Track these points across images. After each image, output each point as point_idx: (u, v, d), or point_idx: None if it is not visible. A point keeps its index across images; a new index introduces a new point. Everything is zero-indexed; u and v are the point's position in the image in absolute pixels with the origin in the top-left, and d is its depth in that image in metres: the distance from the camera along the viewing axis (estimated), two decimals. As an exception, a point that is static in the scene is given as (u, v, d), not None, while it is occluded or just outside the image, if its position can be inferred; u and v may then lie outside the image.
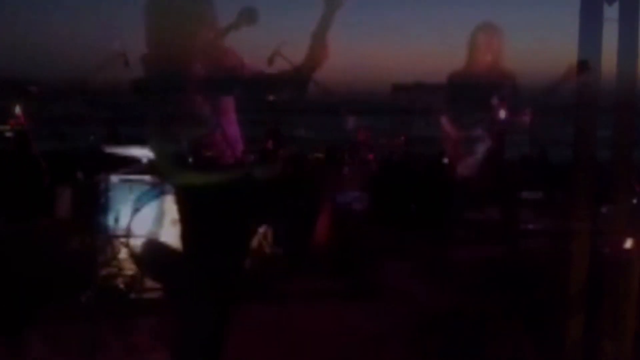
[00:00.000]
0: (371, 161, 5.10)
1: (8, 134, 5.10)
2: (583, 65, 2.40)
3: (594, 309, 2.49)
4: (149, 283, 3.83)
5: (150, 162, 4.24)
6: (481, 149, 4.03)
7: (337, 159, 4.93)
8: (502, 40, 4.06)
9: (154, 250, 3.85)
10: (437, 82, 4.77)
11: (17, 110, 4.89)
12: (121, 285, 3.88)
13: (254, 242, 4.08)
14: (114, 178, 4.16)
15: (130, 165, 4.33)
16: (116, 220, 4.14)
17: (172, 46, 2.28)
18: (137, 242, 3.90)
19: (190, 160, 2.27)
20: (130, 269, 3.98)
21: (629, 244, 2.41)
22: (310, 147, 5.39)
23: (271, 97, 3.73)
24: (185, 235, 2.44)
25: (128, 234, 3.94)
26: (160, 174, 3.95)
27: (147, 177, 4.17)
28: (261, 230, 4.14)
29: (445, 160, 4.22)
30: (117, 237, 4.08)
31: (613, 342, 2.46)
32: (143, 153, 4.19)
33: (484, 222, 4.02)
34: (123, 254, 4.04)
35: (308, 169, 4.90)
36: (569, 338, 2.51)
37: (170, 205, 3.90)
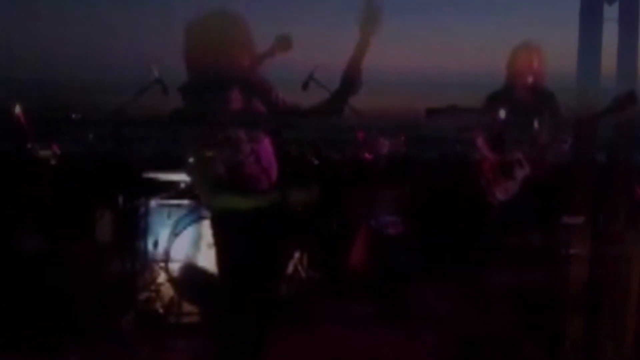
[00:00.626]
0: (371, 161, 5.00)
1: (53, 162, 5.23)
2: (630, 97, 2.38)
3: (594, 309, 2.46)
4: (187, 307, 3.87)
5: (188, 186, 4.31)
6: (520, 174, 3.98)
7: (336, 160, 4.87)
8: (543, 60, 4.00)
9: (192, 274, 3.89)
10: (472, 105, 4.76)
11: (17, 110, 4.95)
12: (160, 309, 3.92)
13: (290, 267, 4.10)
14: (153, 202, 4.23)
15: (169, 190, 4.40)
16: (155, 244, 4.19)
17: (209, 72, 2.32)
18: (175, 266, 3.96)
19: (226, 184, 2.30)
20: (168, 293, 4.03)
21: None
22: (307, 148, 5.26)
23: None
24: (220, 260, 2.47)
25: (167, 258, 4.00)
26: (198, 198, 4.02)
27: (185, 202, 4.23)
28: (297, 254, 4.15)
29: (482, 183, 4.17)
30: (156, 261, 4.13)
31: (613, 342, 2.41)
32: (181, 177, 4.28)
33: (522, 247, 3.97)
34: (162, 278, 4.09)
35: (345, 194, 4.91)
36: (569, 338, 2.47)
37: (207, 230, 3.94)
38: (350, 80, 2.36)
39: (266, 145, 2.45)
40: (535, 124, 3.94)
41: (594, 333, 2.47)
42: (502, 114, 3.93)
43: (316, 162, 5.10)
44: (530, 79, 3.97)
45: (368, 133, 4.82)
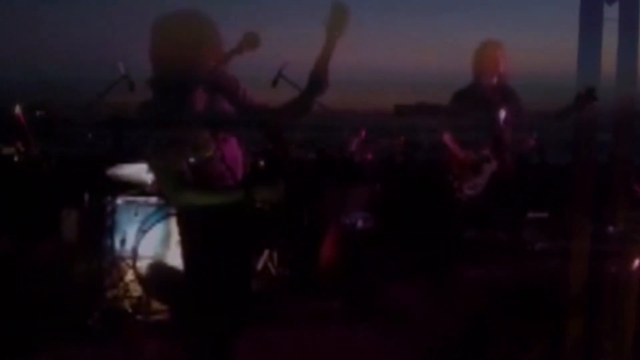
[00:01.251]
0: (371, 161, 5.04)
1: (15, 158, 5.13)
2: (590, 93, 2.42)
3: (594, 309, 2.50)
4: (155, 305, 3.83)
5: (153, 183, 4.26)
6: (488, 169, 4.03)
7: (334, 160, 4.88)
8: (506, 57, 4.07)
9: (160, 272, 3.85)
10: (440, 102, 4.81)
11: (17, 110, 4.90)
12: (128, 308, 3.88)
13: (260, 264, 4.09)
14: (120, 200, 4.18)
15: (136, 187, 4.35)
16: (122, 242, 4.15)
17: (175, 70, 2.30)
18: (143, 264, 3.92)
19: (189, 182, 2.29)
20: (136, 291, 3.99)
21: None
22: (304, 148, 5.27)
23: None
24: (186, 258, 2.46)
25: (134, 256, 3.96)
26: (163, 195, 3.99)
27: (153, 199, 4.19)
28: (267, 251, 4.14)
29: (449, 179, 4.22)
30: (124, 259, 4.09)
31: (613, 342, 2.45)
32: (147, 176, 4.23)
33: (489, 243, 4.03)
34: (129, 276, 4.04)
35: (313, 190, 4.91)
36: (569, 338, 2.51)
37: (176, 227, 3.91)
38: (317, 81, 2.37)
39: (232, 145, 2.44)
40: (501, 120, 4.01)
41: (594, 333, 2.51)
42: (502, 114, 3.99)
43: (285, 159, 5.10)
44: (494, 75, 4.04)
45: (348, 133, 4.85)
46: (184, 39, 2.28)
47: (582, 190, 2.52)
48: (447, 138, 4.21)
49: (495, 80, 4.07)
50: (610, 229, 2.59)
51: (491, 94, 4.07)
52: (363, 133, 4.90)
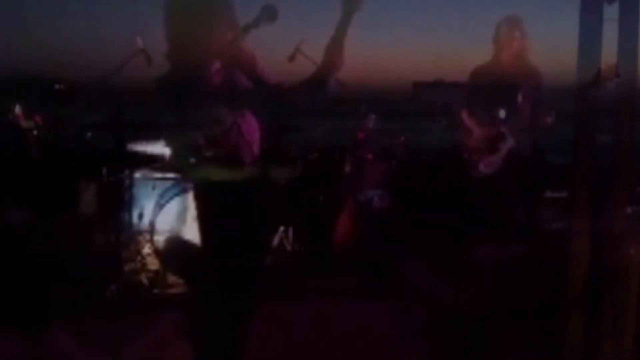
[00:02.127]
0: (371, 161, 5.04)
1: (35, 132, 5.18)
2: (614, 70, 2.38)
3: (594, 309, 2.49)
4: (172, 278, 3.88)
5: (171, 157, 4.29)
6: (505, 147, 3.99)
7: (335, 160, 4.87)
8: (526, 34, 4.01)
9: (177, 246, 3.89)
10: (458, 80, 4.75)
11: (17, 109, 4.95)
12: (145, 281, 3.93)
13: (275, 240, 4.11)
14: (138, 174, 4.21)
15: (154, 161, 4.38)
16: (140, 216, 4.19)
17: (190, 45, 2.30)
18: (160, 238, 3.96)
19: (206, 156, 2.29)
20: (153, 264, 4.03)
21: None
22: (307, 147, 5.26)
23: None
24: (203, 232, 2.47)
25: (152, 230, 4.00)
26: (180, 170, 4.01)
27: (170, 174, 4.21)
28: (282, 228, 4.16)
29: (465, 157, 4.18)
30: (141, 233, 4.13)
31: (613, 342, 2.45)
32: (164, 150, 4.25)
33: (505, 222, 4.00)
34: (146, 249, 4.09)
35: (329, 168, 4.90)
36: (569, 338, 2.51)
37: (192, 202, 3.93)
38: (333, 57, 2.35)
39: (249, 120, 2.44)
40: (519, 98, 3.96)
41: (594, 333, 2.50)
42: (502, 114, 3.95)
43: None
44: (513, 52, 3.99)
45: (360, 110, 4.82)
46: (200, 12, 2.28)
47: (580, 192, 2.51)
48: (464, 114, 4.17)
49: (515, 56, 4.02)
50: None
51: (510, 70, 4.02)
52: (363, 132, 4.87)
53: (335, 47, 2.32)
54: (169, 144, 2.78)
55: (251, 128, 2.43)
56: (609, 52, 2.43)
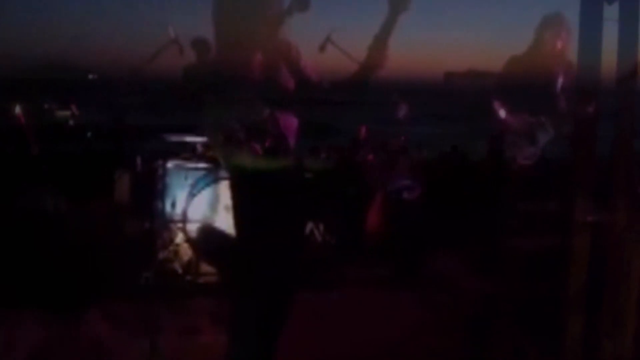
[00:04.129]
0: (372, 161, 5.00)
1: (70, 122, 5.27)
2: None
3: (594, 309, 2.47)
4: (205, 267, 3.93)
5: (205, 148, 4.33)
6: (543, 138, 3.93)
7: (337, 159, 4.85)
8: (571, 33, 3.96)
9: (209, 235, 3.94)
10: (491, 69, 4.69)
11: (17, 110, 4.99)
12: (178, 269, 3.99)
13: (306, 230, 4.13)
14: (171, 164, 4.26)
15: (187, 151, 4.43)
16: (173, 205, 4.24)
17: (237, 34, 2.31)
18: (193, 227, 4.01)
19: (241, 142, 2.30)
20: (186, 253, 4.09)
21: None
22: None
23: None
24: (238, 221, 2.49)
25: (184, 219, 4.05)
26: (216, 160, 4.04)
27: (202, 164, 4.25)
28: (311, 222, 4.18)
29: (503, 148, 4.13)
30: (174, 221, 4.18)
31: (613, 342, 2.43)
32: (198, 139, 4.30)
33: (540, 214, 3.95)
34: (179, 238, 4.14)
35: (361, 158, 4.89)
36: (569, 338, 2.49)
37: (224, 192, 3.98)
38: (376, 57, 2.34)
39: (287, 114, 2.44)
40: (557, 88, 3.90)
41: (594, 333, 2.49)
42: (502, 114, 3.91)
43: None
44: (556, 48, 3.93)
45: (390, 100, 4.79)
46: (251, 6, 2.29)
47: (581, 189, 2.49)
48: (496, 104, 4.11)
49: (557, 52, 3.96)
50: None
51: (549, 62, 3.96)
52: (363, 130, 4.85)
53: (379, 46, 2.31)
54: (205, 129, 2.80)
55: (288, 122, 2.43)
56: (609, 52, 2.42)
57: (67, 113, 5.80)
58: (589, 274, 2.49)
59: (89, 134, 4.94)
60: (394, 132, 5.06)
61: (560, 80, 3.93)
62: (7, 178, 4.74)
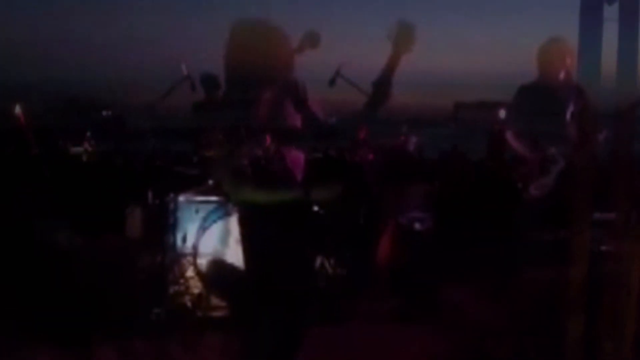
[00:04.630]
0: (372, 161, 4.97)
1: (84, 158, 5.33)
2: None
3: (594, 309, 2.44)
4: (215, 301, 3.90)
5: (215, 182, 4.34)
6: (555, 169, 3.92)
7: (337, 158, 4.83)
8: (574, 55, 3.97)
9: (220, 269, 3.92)
10: (501, 100, 4.69)
11: (17, 110, 5.04)
12: (188, 303, 3.96)
13: (317, 263, 4.10)
14: (182, 198, 4.27)
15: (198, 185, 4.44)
16: (184, 239, 4.24)
17: (248, 73, 2.35)
18: (203, 261, 3.99)
19: (249, 178, 2.32)
20: (197, 287, 4.07)
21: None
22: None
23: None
24: (247, 255, 2.49)
25: (195, 253, 4.04)
26: (226, 194, 4.05)
27: (213, 197, 4.26)
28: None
29: (516, 178, 4.11)
30: (185, 255, 4.18)
31: (613, 342, 2.39)
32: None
33: (554, 243, 3.91)
34: (190, 272, 4.13)
35: (372, 189, 4.88)
36: (569, 338, 2.45)
37: (235, 225, 3.97)
38: (382, 93, 2.37)
39: (293, 150, 2.46)
40: (567, 117, 3.89)
41: (594, 333, 2.45)
42: (502, 114, 3.91)
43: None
44: (561, 72, 3.93)
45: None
46: (262, 47, 2.34)
47: (579, 190, 2.48)
48: (509, 135, 4.11)
49: (561, 76, 3.96)
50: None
51: (557, 89, 3.96)
52: (363, 133, 4.83)
53: (383, 82, 2.35)
54: (213, 164, 2.84)
55: (295, 155, 2.46)
56: (609, 52, 2.42)
57: (81, 149, 5.87)
58: (589, 274, 2.47)
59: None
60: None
61: (570, 107, 3.92)
62: (20, 214, 4.78)
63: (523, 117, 3.99)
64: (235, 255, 3.93)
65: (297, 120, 2.47)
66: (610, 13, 2.39)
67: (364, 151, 4.86)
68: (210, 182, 4.39)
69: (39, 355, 3.21)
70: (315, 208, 2.45)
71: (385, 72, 2.34)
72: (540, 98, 3.94)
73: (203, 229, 4.08)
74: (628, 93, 2.40)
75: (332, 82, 4.18)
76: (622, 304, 2.41)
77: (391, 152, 5.20)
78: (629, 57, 2.37)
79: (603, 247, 4.32)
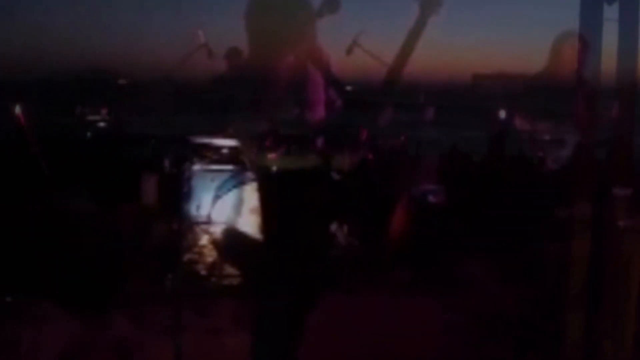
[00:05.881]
0: (371, 161, 4.96)
1: (101, 124, 5.37)
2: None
3: (594, 309, 2.43)
4: (229, 269, 3.94)
5: (231, 151, 4.35)
6: (571, 141, 3.88)
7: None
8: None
9: (233, 237, 3.96)
10: (519, 71, 4.63)
11: (17, 110, 5.05)
12: (202, 270, 4.00)
13: (332, 230, 4.11)
14: (197, 167, 4.29)
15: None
16: (198, 208, 4.27)
17: (269, 39, 2.32)
18: (217, 229, 4.03)
19: (270, 143, 2.31)
20: (210, 255, 4.11)
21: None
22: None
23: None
24: (265, 223, 2.49)
25: (209, 221, 4.07)
26: (241, 163, 4.06)
27: (227, 167, 4.28)
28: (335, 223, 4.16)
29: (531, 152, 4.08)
30: (199, 224, 4.21)
31: (613, 342, 2.39)
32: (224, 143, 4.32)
33: (568, 219, 3.88)
34: (204, 240, 4.17)
35: (387, 162, 4.87)
36: (569, 338, 2.46)
37: (248, 194, 3.99)
38: (404, 61, 2.33)
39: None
40: (580, 94, 3.84)
41: (594, 333, 2.45)
42: (502, 114, 3.87)
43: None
44: (571, 66, 3.87)
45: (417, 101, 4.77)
46: (281, 7, 2.31)
47: (581, 190, 2.47)
48: (518, 122, 4.08)
49: (571, 67, 3.91)
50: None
51: (567, 80, 3.91)
52: (364, 133, 4.80)
53: (407, 50, 2.31)
54: (234, 130, 2.83)
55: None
56: (609, 52, 2.40)
57: (98, 117, 5.91)
58: (589, 274, 2.47)
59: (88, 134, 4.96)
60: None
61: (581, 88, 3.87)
62: (37, 179, 4.83)
63: (531, 107, 3.94)
64: (248, 223, 3.96)
65: (320, 86, 2.44)
66: (610, 13, 2.37)
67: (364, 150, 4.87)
68: (225, 151, 4.39)
69: (54, 321, 3.26)
70: (335, 176, 2.44)
71: (409, 39, 2.28)
72: (548, 88, 3.90)
73: (217, 197, 4.11)
74: (628, 93, 2.36)
75: (349, 51, 4.14)
76: (622, 304, 2.41)
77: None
78: (629, 57, 2.36)
79: (620, 223, 4.29)
